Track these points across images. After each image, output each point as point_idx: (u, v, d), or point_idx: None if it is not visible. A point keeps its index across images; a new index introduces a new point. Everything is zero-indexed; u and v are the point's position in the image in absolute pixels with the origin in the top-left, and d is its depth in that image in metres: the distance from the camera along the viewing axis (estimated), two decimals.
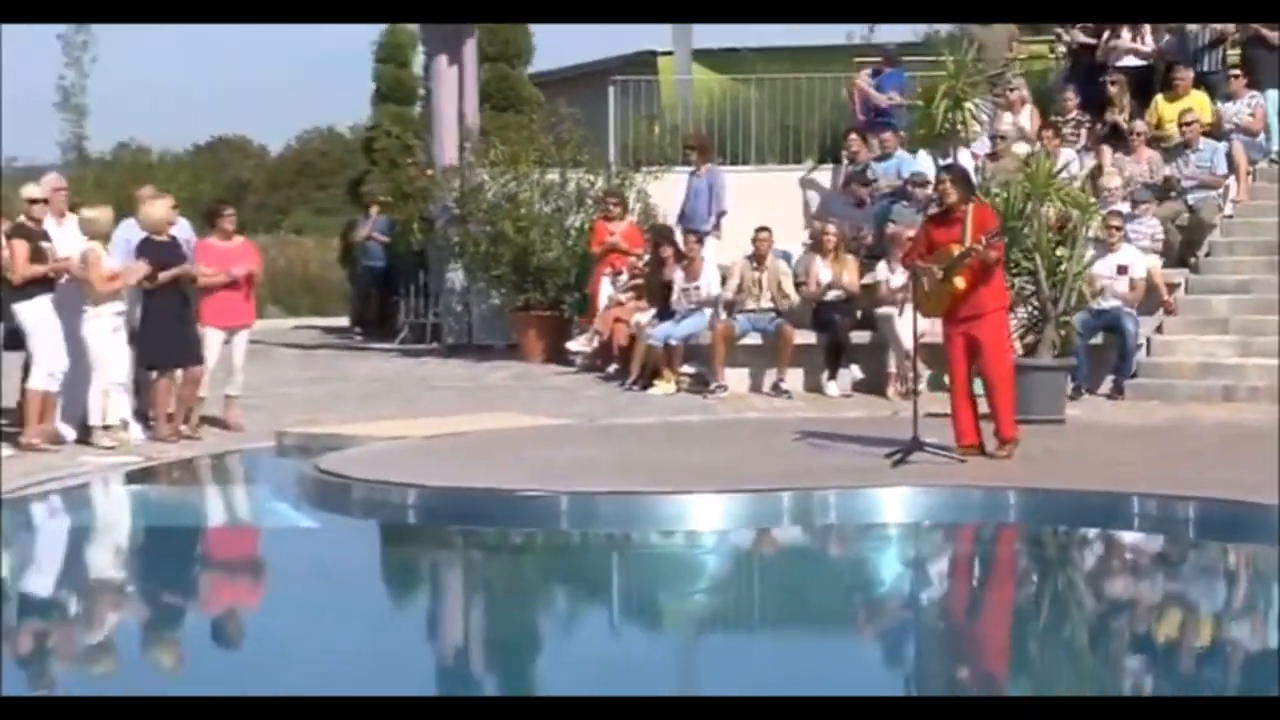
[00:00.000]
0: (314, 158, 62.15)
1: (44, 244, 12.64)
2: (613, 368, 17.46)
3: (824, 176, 19.89)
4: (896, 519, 9.96)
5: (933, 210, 12.04)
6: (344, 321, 27.40)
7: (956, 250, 10.70)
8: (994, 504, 10.01)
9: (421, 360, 19.77)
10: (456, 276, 20.60)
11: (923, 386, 15.73)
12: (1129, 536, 9.85)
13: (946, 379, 13.57)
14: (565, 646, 8.14)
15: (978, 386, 11.25)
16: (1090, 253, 14.70)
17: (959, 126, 14.92)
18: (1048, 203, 13.95)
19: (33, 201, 12.89)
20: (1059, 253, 13.96)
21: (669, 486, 10.29)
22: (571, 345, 18.29)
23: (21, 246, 12.40)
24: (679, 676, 7.49)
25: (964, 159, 17.85)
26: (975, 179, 15.48)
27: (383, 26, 27.13)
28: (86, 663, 7.69)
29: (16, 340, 12.79)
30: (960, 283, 10.73)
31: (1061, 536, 10.16)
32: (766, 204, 18.37)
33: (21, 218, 12.81)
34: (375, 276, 24.66)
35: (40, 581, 9.74)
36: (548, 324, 19.10)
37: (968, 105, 14.65)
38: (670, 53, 22.15)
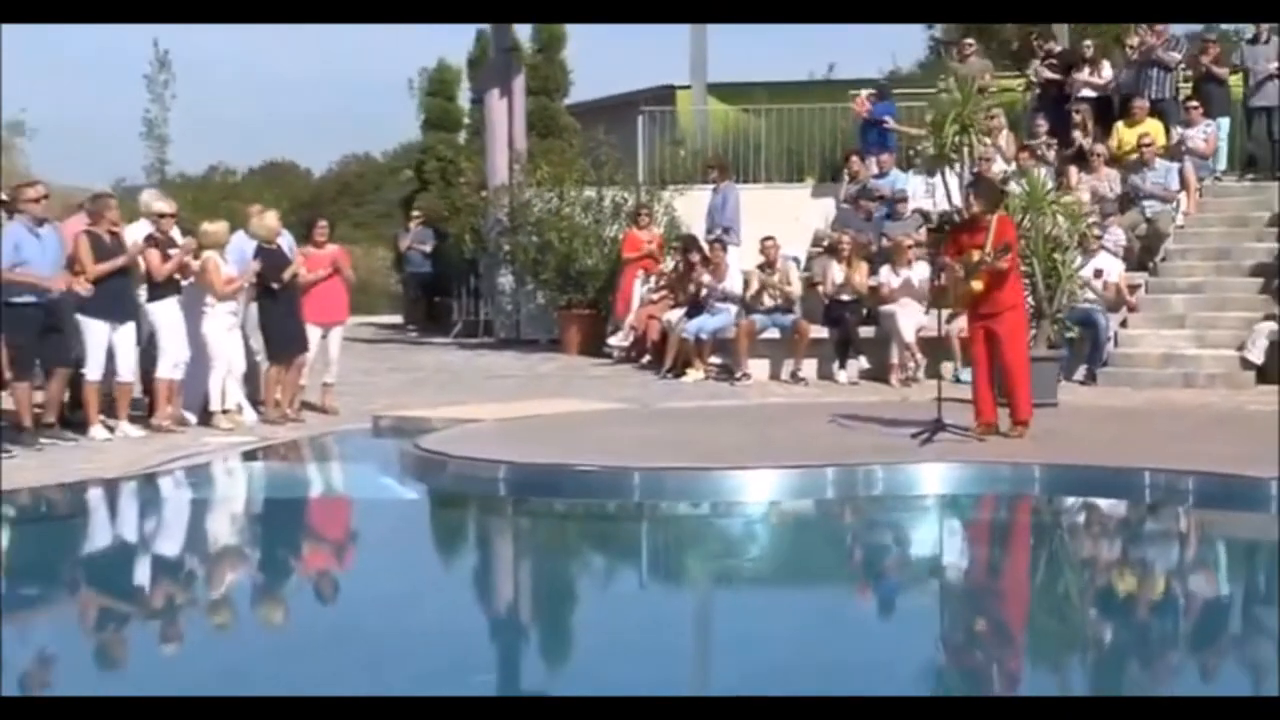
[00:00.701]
0: (351, 179, 62.25)
1: (171, 251, 12.44)
2: (646, 359, 17.32)
3: (824, 192, 19.65)
4: (936, 491, 9.72)
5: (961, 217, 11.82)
6: (394, 319, 27.17)
7: (976, 256, 10.54)
8: (1022, 478, 9.79)
9: (478, 353, 19.55)
10: (506, 280, 20.45)
11: (920, 374, 15.83)
12: (1143, 506, 9.64)
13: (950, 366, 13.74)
14: (647, 601, 7.99)
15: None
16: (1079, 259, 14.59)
17: (965, 148, 14.67)
18: (1043, 214, 13.72)
19: (161, 215, 12.67)
20: (1054, 258, 13.77)
21: (725, 462, 10.08)
22: (611, 340, 18.11)
23: (155, 255, 12.19)
24: (764, 628, 7.24)
25: (950, 178, 17.89)
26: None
27: (432, 64, 27.02)
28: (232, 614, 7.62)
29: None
30: (977, 285, 10.56)
31: (1085, 506, 9.96)
32: (774, 216, 18.21)
33: (151, 229, 12.58)
34: (421, 280, 24.44)
35: (187, 545, 9.62)
36: (587, 321, 18.97)
37: (972, 130, 14.36)
38: (688, 86, 21.98)
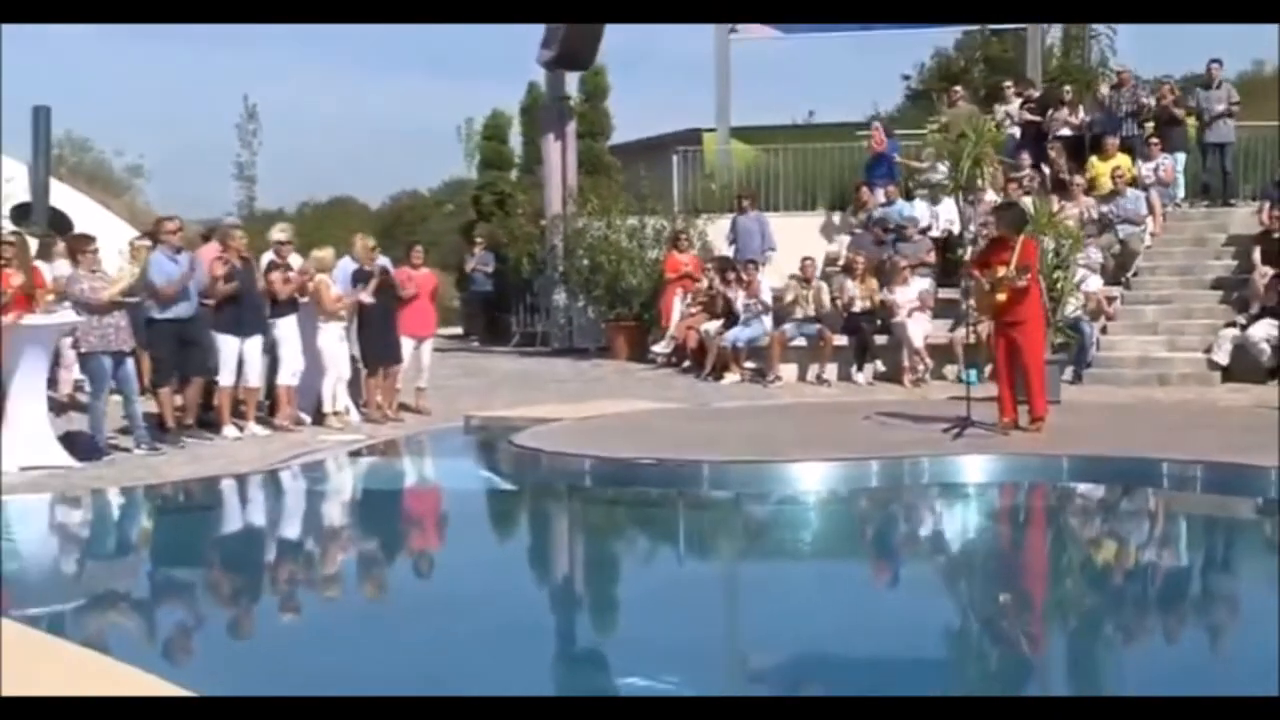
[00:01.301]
0: (403, 211, 62.19)
1: (289, 274, 12.48)
2: (685, 364, 17.29)
3: (834, 220, 19.55)
4: (977, 480, 9.69)
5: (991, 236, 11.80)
6: (454, 331, 27.12)
7: (1001, 272, 10.56)
8: (1051, 468, 9.78)
9: (537, 360, 19.50)
10: (561, 297, 20.37)
11: (928, 376, 15.86)
12: (1162, 491, 9.54)
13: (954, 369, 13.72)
14: (724, 577, 8.10)
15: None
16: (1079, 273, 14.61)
17: (979, 180, 14.68)
18: (1047, 235, 13.70)
19: (280, 243, 12.71)
20: (1056, 274, 13.77)
21: (784, 455, 10.05)
22: (655, 348, 18.12)
23: (277, 277, 12.24)
24: (846, 596, 7.32)
25: (948, 205, 17.91)
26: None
27: (488, 111, 27.04)
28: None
29: None
30: (1001, 296, 10.58)
31: (1110, 491, 9.88)
32: (787, 241, 18.21)
33: (271, 255, 12.63)
34: (484, 297, 24.39)
35: (325, 531, 9.68)
36: (632, 332, 18.91)
37: (985, 163, 14.37)
38: (713, 129, 21.92)
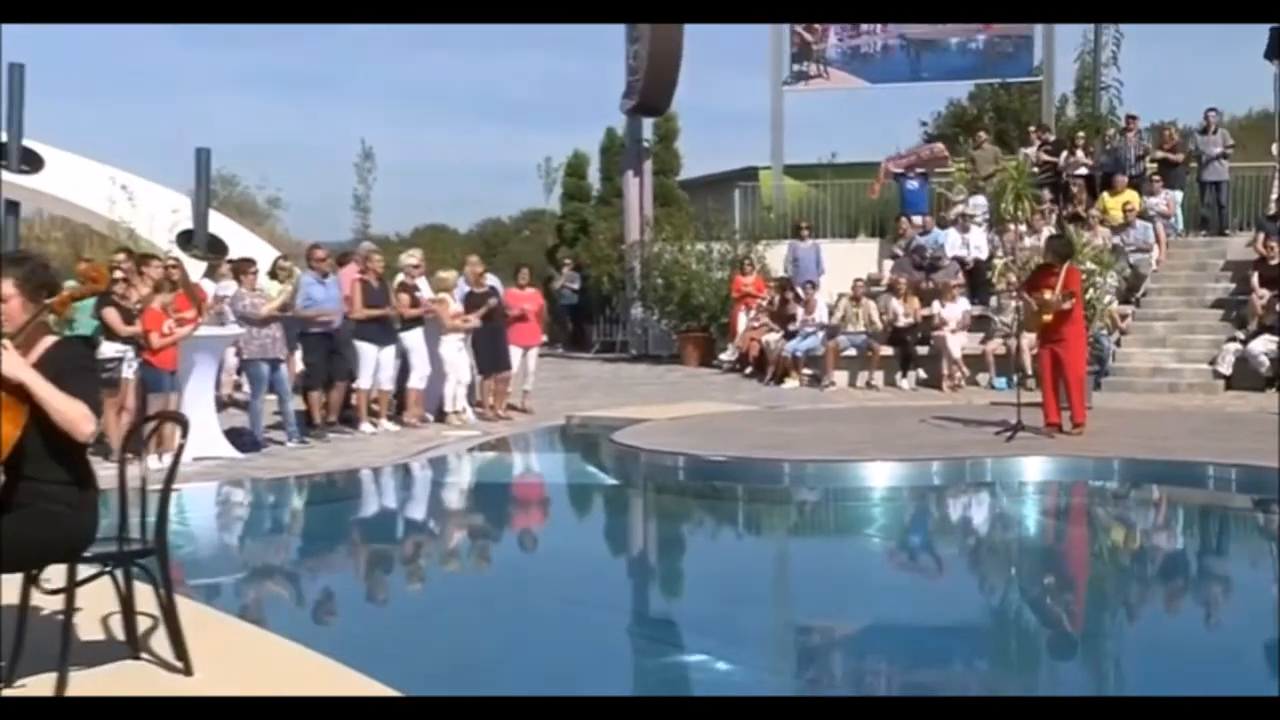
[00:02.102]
0: (488, 237, 61.85)
1: (417, 294, 12.05)
2: (748, 370, 16.75)
3: (873, 246, 18.97)
4: (1036, 479, 9.09)
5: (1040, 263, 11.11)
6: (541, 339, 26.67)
7: (1048, 295, 9.97)
8: (1103, 469, 9.17)
9: (618, 366, 19.03)
10: (638, 311, 19.86)
11: (963, 383, 15.21)
12: (1204, 491, 8.87)
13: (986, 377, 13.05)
14: (814, 563, 7.56)
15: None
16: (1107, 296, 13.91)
17: (1020, 213, 13.99)
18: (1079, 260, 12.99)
19: (412, 266, 12.29)
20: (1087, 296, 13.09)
21: (855, 456, 9.46)
22: (722, 355, 17.59)
23: (405, 298, 11.80)
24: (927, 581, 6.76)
25: (977, 233, 17.26)
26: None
27: (570, 152, 26.56)
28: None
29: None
30: (1047, 317, 10.03)
31: (1161, 490, 9.22)
32: (832, 264, 17.63)
33: (402, 277, 12.18)
34: (568, 309, 23.95)
35: (450, 514, 9.25)
36: (700, 342, 18.42)
37: (1025, 198, 13.68)
38: (769, 167, 21.30)
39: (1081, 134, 18.98)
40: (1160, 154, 17.83)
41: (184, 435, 4.51)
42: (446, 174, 70.90)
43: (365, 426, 11.54)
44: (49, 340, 3.98)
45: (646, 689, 4.76)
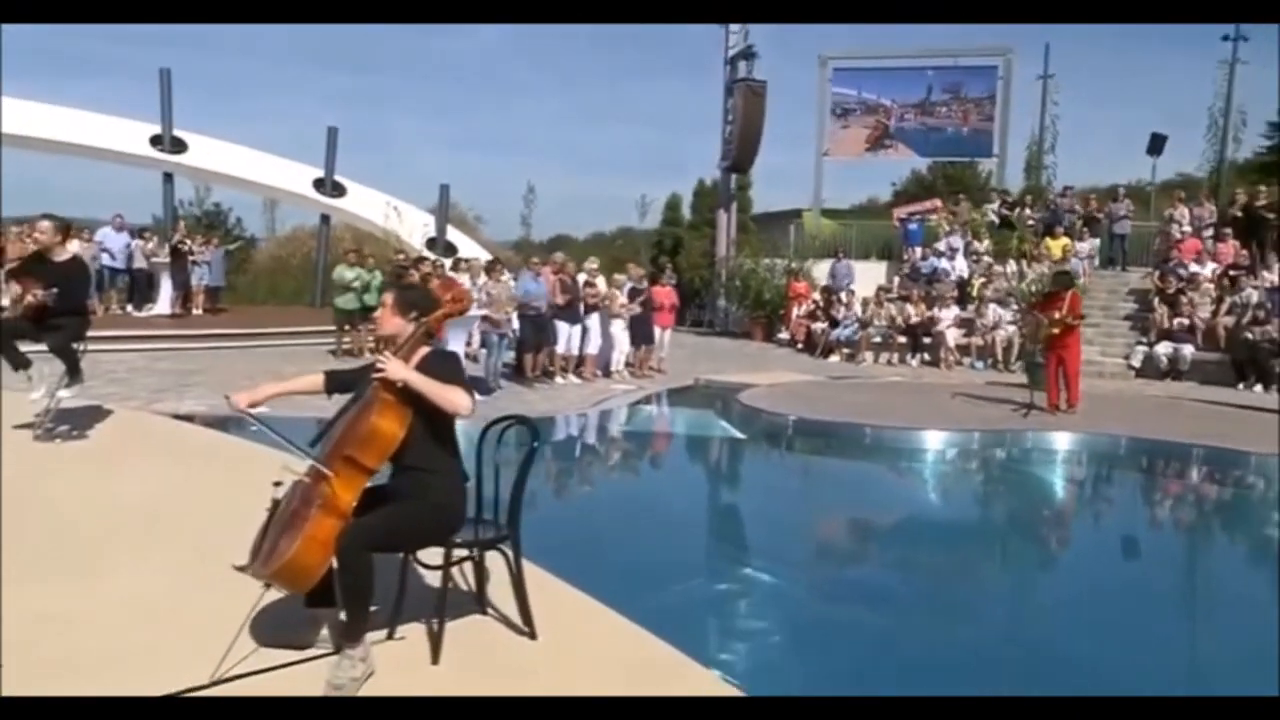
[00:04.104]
0: (606, 245, 59.85)
1: (595, 290, 11.06)
2: (799, 347, 15.53)
3: (882, 266, 17.56)
4: (1065, 449, 7.85)
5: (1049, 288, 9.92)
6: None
7: (1056, 315, 8.77)
8: (1113, 444, 7.87)
9: (709, 339, 17.85)
10: (722, 302, 18.72)
11: (954, 365, 13.87)
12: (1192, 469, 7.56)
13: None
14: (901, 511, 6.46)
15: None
16: None
17: (1024, 246, 12.63)
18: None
19: (592, 270, 11.32)
20: None
21: (916, 423, 8.22)
22: (780, 335, 16.45)
23: (588, 293, 10.82)
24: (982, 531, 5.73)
25: (960, 260, 15.89)
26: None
27: (669, 192, 25.24)
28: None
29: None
30: (1055, 330, 8.82)
31: (1169, 462, 7.75)
32: (857, 278, 16.35)
33: (585, 275, 11.21)
34: None
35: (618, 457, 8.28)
36: (765, 324, 17.04)
37: (1025, 240, 12.35)
38: (811, 209, 19.92)
39: (1029, 196, 17.41)
40: (1084, 213, 16.29)
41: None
42: (568, 201, 68.62)
43: (558, 379, 10.69)
44: (423, 350, 3.28)
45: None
